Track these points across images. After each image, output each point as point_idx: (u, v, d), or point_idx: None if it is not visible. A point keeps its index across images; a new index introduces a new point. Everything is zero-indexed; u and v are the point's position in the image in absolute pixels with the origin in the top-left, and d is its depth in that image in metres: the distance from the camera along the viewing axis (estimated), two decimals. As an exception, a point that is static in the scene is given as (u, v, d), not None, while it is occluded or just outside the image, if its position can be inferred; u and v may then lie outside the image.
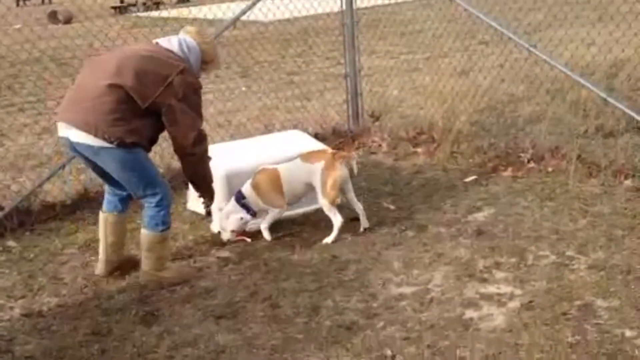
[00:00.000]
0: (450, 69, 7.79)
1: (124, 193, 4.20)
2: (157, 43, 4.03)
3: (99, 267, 4.30)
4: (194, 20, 13.02)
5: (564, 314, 3.50)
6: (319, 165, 4.51)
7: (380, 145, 6.28)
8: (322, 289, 3.98)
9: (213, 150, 4.92)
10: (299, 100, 7.58)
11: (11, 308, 4.00)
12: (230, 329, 3.65)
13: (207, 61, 4.11)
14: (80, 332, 3.70)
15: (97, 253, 4.54)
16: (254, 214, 4.59)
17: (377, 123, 6.54)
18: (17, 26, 10.67)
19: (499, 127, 6.40)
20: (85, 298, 4.07)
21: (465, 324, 3.51)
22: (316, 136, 6.22)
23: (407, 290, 3.91)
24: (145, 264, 4.15)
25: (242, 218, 4.54)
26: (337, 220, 4.52)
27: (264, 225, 4.61)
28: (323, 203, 4.53)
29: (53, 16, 19.43)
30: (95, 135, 3.79)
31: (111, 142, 3.79)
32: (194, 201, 5.09)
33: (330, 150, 4.72)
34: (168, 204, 4.09)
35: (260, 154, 4.94)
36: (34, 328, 3.77)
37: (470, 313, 3.61)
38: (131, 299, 4.01)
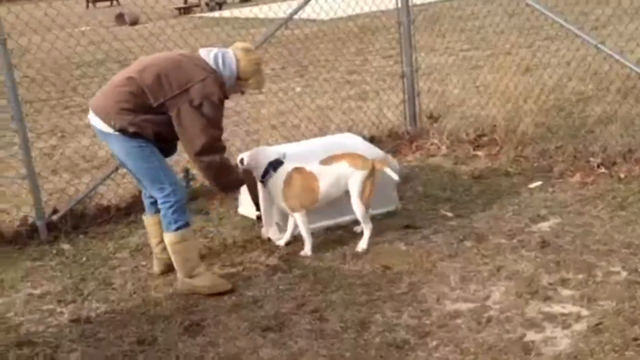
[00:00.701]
0: (514, 66, 7.46)
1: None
2: (198, 51, 4.10)
3: (154, 266, 4.36)
4: (254, 20, 13.02)
5: (636, 339, 3.21)
6: (359, 169, 4.36)
7: (439, 148, 6.04)
8: (373, 302, 3.80)
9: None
10: (355, 101, 7.41)
11: (60, 313, 3.98)
12: (275, 343, 3.51)
13: (243, 79, 4.11)
14: (126, 341, 3.64)
15: (147, 257, 4.54)
16: None
17: (435, 124, 6.30)
18: (85, 28, 10.84)
19: (566, 129, 6.07)
20: (133, 305, 4.01)
21: (526, 348, 3.26)
22: (372, 138, 6.05)
23: (463, 306, 3.69)
24: (178, 271, 4.11)
25: None
26: (368, 227, 4.40)
27: (307, 240, 4.44)
28: (358, 209, 4.37)
29: (120, 18, 19.81)
30: (104, 121, 3.92)
31: (114, 129, 3.89)
32: (245, 205, 4.99)
33: (357, 154, 4.53)
34: (178, 202, 4.02)
35: (310, 158, 4.78)
36: (81, 335, 3.73)
37: (531, 335, 3.37)
38: (177, 307, 3.93)
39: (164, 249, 4.20)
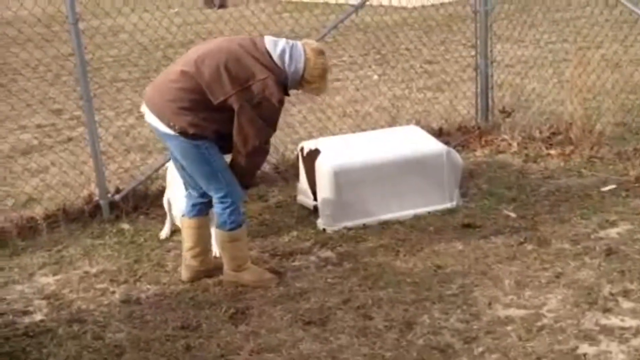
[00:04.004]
0: (602, 61, 7.05)
1: (201, 196, 4.03)
2: (263, 40, 3.82)
3: (182, 272, 4.17)
4: (342, 5, 12.91)
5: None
6: None
7: (509, 145, 5.78)
8: (420, 302, 3.67)
9: (324, 143, 4.79)
10: (430, 91, 7.21)
11: (112, 293, 4.05)
12: (317, 338, 3.45)
13: (308, 81, 3.83)
14: (170, 325, 3.66)
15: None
16: None
17: (507, 119, 6.03)
18: (175, 10, 11.04)
19: (647, 130, 5.71)
20: (182, 289, 4.03)
21: (577, 361, 3.08)
22: (440, 131, 5.87)
23: (515, 313, 3.52)
24: (224, 262, 4.06)
25: None
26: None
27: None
28: None
29: (209, 0, 20.10)
30: (161, 121, 3.74)
31: (174, 131, 3.72)
32: (303, 195, 4.94)
33: None
34: (235, 203, 3.90)
35: (371, 150, 4.69)
36: (129, 316, 3.78)
37: (585, 348, 3.18)
38: (225, 294, 3.93)
39: (195, 255, 4.08)
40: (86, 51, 4.95)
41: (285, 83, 3.79)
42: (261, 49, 3.76)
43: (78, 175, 5.37)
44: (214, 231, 4.14)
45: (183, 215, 4.12)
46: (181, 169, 4.01)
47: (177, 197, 4.38)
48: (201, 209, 4.06)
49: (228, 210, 3.89)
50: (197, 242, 4.08)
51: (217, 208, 3.92)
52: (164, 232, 4.67)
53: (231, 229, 3.93)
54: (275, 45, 3.77)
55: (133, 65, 8.80)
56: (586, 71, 6.30)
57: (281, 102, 3.74)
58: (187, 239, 4.10)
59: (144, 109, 3.86)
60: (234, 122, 3.71)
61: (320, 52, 3.84)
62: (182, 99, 3.69)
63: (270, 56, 3.74)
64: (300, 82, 3.83)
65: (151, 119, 3.82)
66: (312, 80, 3.83)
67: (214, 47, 3.80)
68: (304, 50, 3.80)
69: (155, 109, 3.77)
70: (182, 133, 3.71)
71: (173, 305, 3.86)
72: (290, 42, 3.83)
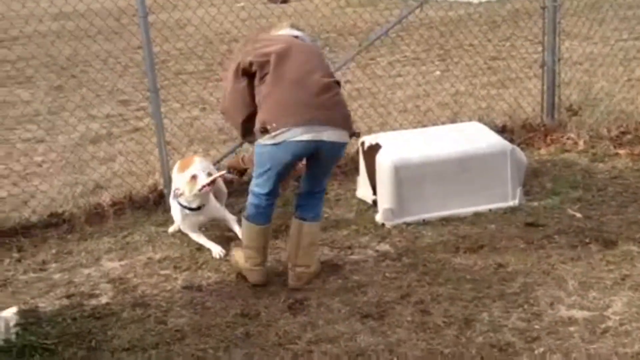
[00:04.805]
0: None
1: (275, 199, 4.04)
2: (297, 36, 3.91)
3: (257, 276, 4.04)
4: (406, 0, 12.81)
5: None
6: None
7: (575, 143, 5.65)
8: (480, 299, 3.63)
9: (385, 138, 4.78)
10: (494, 88, 7.09)
11: (175, 279, 4.14)
12: (374, 331, 3.45)
13: None
14: (230, 312, 3.72)
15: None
16: None
17: (574, 117, 5.89)
18: (241, 3, 11.19)
19: None
20: (243, 277, 4.08)
21: (640, 365, 3.00)
22: (503, 128, 5.78)
23: (578, 314, 3.44)
24: (307, 259, 3.97)
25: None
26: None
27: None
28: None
29: (273, -6, 20.24)
30: (348, 132, 3.79)
31: (350, 137, 3.83)
32: (363, 188, 4.95)
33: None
34: None
35: (433, 146, 4.66)
36: (190, 302, 3.86)
37: (650, 352, 3.09)
38: (284, 284, 3.96)
39: (264, 259, 4.04)
40: (154, 44, 5.06)
41: None
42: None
43: (144, 164, 5.50)
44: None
45: (266, 224, 3.96)
46: (287, 173, 3.98)
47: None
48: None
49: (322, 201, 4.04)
50: (266, 246, 4.06)
51: (315, 200, 3.96)
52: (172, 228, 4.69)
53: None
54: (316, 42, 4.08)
55: (198, 58, 8.94)
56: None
57: None
58: (260, 243, 3.99)
59: (315, 134, 3.64)
60: None
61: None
62: (345, 104, 3.86)
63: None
64: None
65: (336, 135, 3.70)
66: None
67: (315, 52, 3.88)
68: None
69: (340, 123, 3.73)
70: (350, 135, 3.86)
71: (233, 294, 3.92)
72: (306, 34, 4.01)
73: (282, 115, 3.64)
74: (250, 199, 3.94)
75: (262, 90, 3.74)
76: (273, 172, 3.80)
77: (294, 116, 3.63)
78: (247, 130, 3.90)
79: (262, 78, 3.73)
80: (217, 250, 4.35)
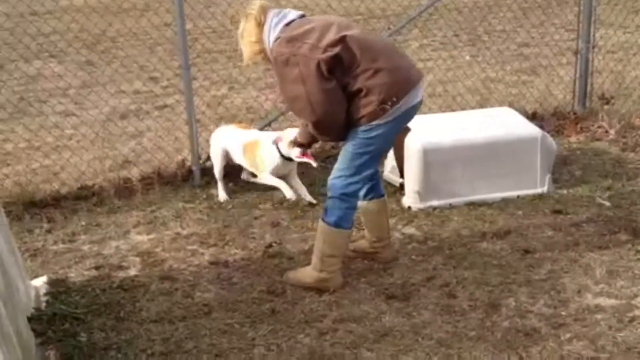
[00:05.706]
0: None
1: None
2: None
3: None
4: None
5: None
6: None
7: (606, 132, 5.59)
8: (507, 285, 3.63)
9: (414, 121, 4.74)
10: (526, 74, 7.02)
11: (202, 254, 4.18)
12: (400, 312, 3.47)
13: None
14: (257, 289, 3.76)
15: (288, 211, 4.62)
16: None
17: (606, 106, 5.82)
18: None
19: None
20: (269, 255, 4.12)
21: (667, 355, 2.99)
22: (534, 115, 5.73)
23: (605, 302, 3.43)
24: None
25: None
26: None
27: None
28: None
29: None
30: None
31: None
32: (390, 172, 4.94)
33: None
34: None
35: (462, 130, 4.63)
36: (217, 277, 3.91)
37: (677, 342, 3.07)
38: (309, 263, 3.96)
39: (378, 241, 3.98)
40: (187, 20, 5.08)
41: None
42: None
43: (173, 141, 5.55)
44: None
45: (349, 227, 3.71)
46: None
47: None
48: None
49: None
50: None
51: (372, 184, 3.86)
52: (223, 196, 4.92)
53: None
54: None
55: (229, 37, 8.94)
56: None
57: None
58: (346, 247, 3.84)
59: (420, 91, 3.60)
60: None
61: None
62: None
63: None
64: None
65: (420, 94, 3.61)
66: None
67: (342, 20, 3.61)
68: None
69: (420, 81, 3.60)
70: None
71: (259, 271, 3.95)
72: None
73: (398, 86, 3.44)
74: (339, 203, 3.61)
75: (358, 78, 3.43)
76: (378, 153, 3.61)
77: (407, 82, 3.49)
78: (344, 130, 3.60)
79: (349, 68, 3.43)
80: (289, 194, 4.75)
